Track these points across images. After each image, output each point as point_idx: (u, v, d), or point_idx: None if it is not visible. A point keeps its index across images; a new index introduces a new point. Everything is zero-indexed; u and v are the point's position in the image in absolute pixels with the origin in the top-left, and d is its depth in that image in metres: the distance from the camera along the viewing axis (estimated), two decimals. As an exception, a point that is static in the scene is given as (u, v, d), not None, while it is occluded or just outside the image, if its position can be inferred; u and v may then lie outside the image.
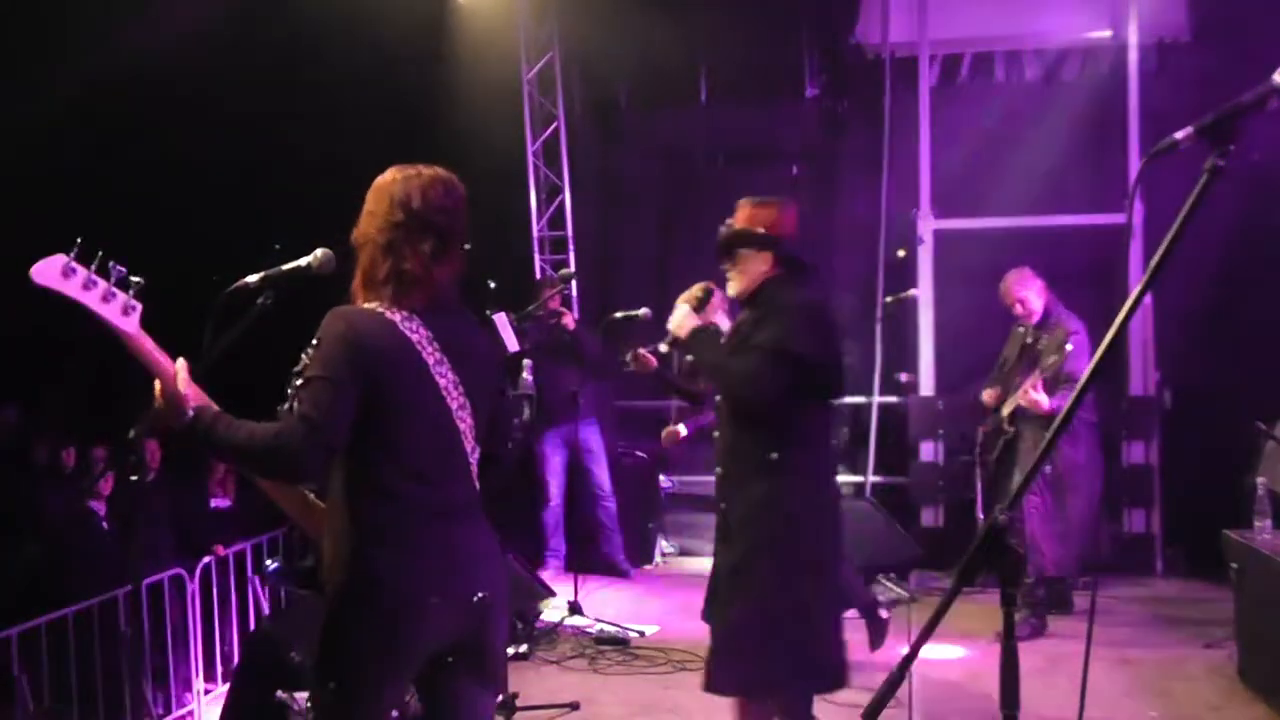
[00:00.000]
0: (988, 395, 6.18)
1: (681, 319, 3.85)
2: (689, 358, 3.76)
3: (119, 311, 2.28)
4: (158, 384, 2.35)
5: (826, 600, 3.62)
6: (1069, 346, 5.55)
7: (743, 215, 3.80)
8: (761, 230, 3.72)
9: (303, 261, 2.58)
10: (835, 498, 3.82)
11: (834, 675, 3.64)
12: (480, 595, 2.48)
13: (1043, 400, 5.61)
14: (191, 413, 2.33)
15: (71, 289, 2.22)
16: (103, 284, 2.26)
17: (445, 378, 2.47)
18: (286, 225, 6.43)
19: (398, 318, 2.45)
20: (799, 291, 3.67)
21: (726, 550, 3.69)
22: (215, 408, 2.37)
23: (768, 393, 3.54)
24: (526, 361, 5.14)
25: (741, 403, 3.64)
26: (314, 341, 2.39)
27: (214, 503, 7.19)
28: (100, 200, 8.67)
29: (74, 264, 2.22)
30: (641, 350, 5.30)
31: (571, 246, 9.02)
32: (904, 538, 6.58)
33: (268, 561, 4.89)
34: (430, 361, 2.45)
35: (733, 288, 3.79)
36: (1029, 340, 5.98)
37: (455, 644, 2.49)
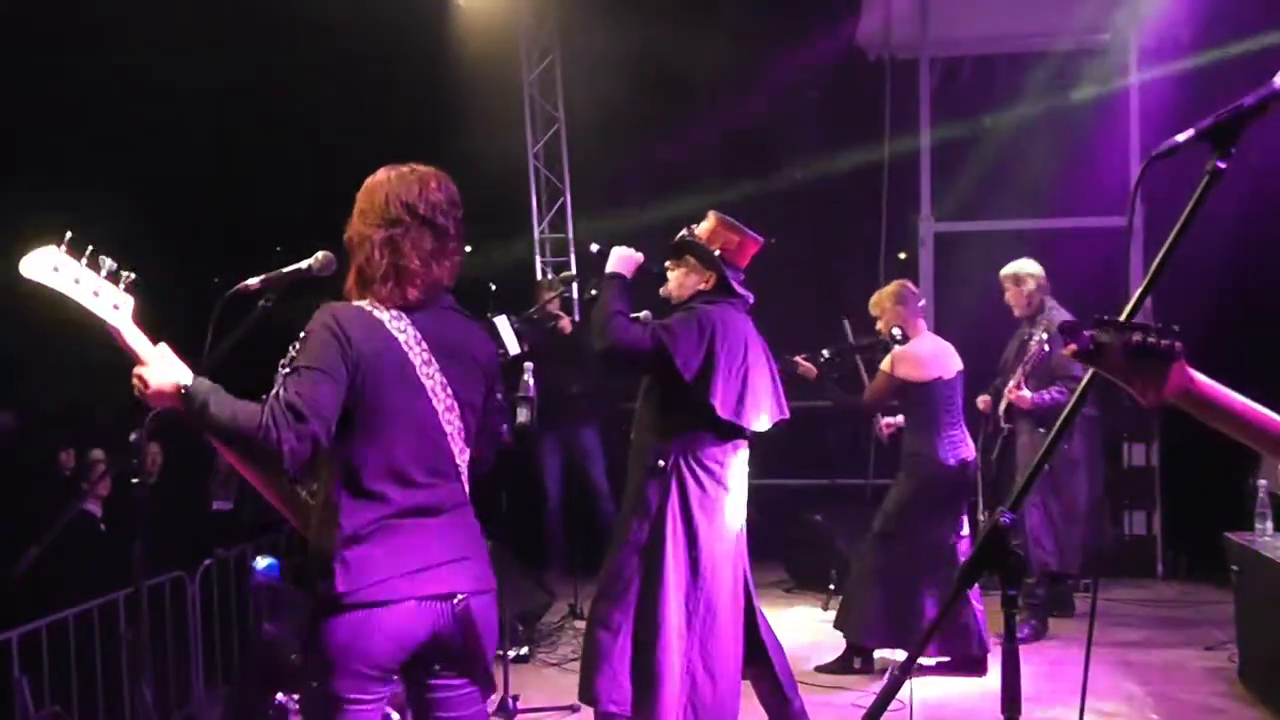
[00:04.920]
0: (981, 402, 6.17)
1: (622, 257, 3.83)
2: (592, 291, 3.88)
3: (110, 306, 2.22)
4: (137, 370, 2.28)
5: (657, 619, 3.60)
6: (1044, 337, 5.51)
7: (708, 228, 3.80)
8: (717, 251, 3.73)
9: (303, 264, 2.56)
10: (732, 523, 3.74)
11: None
12: (461, 596, 2.44)
13: (1026, 395, 5.68)
14: (185, 384, 2.27)
15: (62, 283, 2.16)
16: (93, 278, 2.20)
17: (433, 378, 2.45)
18: (286, 227, 6.44)
19: (386, 316, 2.43)
20: (711, 308, 3.72)
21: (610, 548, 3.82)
22: (213, 385, 2.31)
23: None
24: (528, 365, 5.12)
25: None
26: (302, 334, 2.38)
27: (215, 505, 7.19)
28: (96, 202, 8.68)
29: (65, 257, 2.16)
30: (801, 358, 5.29)
31: (572, 249, 9.02)
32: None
33: (257, 559, 4.84)
34: (418, 362, 2.43)
35: (668, 288, 3.84)
36: (1024, 339, 5.99)
37: (439, 646, 2.46)
